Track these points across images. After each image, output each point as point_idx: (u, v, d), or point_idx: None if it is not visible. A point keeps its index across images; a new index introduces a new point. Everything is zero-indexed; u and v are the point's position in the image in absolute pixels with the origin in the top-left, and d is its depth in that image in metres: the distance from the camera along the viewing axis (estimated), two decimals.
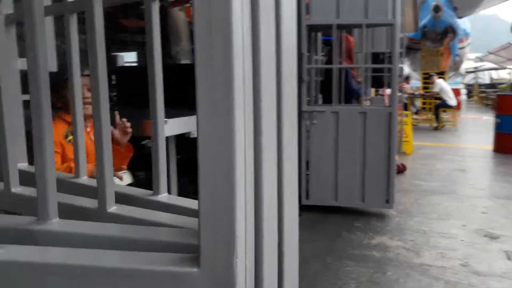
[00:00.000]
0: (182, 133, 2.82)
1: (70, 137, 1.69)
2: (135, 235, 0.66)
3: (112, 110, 1.87)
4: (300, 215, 3.44)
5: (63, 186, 0.84)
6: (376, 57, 5.85)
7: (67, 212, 0.72)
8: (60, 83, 1.67)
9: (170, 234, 0.67)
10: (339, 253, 2.77)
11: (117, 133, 1.82)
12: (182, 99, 3.66)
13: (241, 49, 0.54)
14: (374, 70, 5.48)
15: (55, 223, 0.69)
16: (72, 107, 0.94)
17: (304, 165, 3.56)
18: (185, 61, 8.27)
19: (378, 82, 6.24)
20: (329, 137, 3.48)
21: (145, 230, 0.67)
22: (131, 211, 0.75)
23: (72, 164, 1.52)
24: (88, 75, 1.73)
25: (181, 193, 3.49)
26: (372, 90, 6.96)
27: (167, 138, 2.26)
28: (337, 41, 3.62)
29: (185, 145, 3.48)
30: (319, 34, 4.00)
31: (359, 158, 3.45)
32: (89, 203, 0.78)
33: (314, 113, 3.48)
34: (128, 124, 1.86)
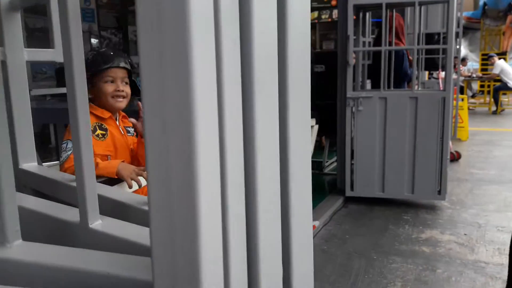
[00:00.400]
0: None
1: (98, 131, 1.63)
2: (89, 266, 0.54)
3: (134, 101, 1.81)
4: (344, 207, 3.31)
5: (66, 190, 0.77)
6: (430, 38, 5.51)
7: (48, 225, 0.65)
8: (93, 74, 1.62)
9: (128, 264, 0.53)
10: (385, 248, 2.62)
11: (140, 125, 1.74)
12: None
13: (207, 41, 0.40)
14: (428, 52, 5.15)
15: (15, 248, 0.58)
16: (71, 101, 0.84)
17: (348, 154, 3.40)
18: None
19: (432, 65, 5.88)
20: (376, 125, 3.29)
21: (102, 259, 0.55)
22: (116, 228, 0.64)
23: (98, 160, 1.48)
24: (124, 68, 1.68)
25: None
26: (426, 73, 6.61)
27: None
28: (387, 22, 3.38)
29: None
30: (369, 15, 3.77)
31: (409, 147, 3.25)
32: (72, 215, 0.68)
33: (360, 99, 3.30)
34: None
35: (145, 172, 1.58)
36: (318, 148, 5.14)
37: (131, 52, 10.09)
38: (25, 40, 0.93)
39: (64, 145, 1.51)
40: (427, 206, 3.33)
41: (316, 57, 4.19)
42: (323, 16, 11.19)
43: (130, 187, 1.48)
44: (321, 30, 11.85)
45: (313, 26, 12.80)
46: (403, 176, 3.28)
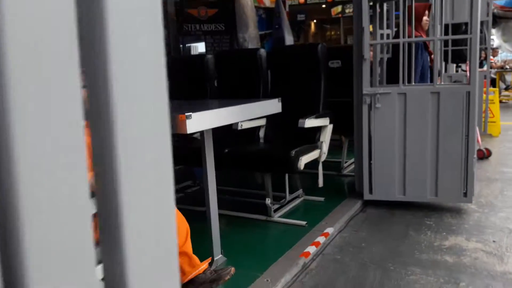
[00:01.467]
0: (229, 125, 2.62)
1: None
2: None
3: None
4: (362, 212, 3.11)
5: None
6: (457, 29, 5.21)
7: None
8: None
9: None
10: (404, 257, 2.41)
11: None
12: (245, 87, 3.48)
13: None
14: (454, 43, 4.85)
15: None
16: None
17: (366, 154, 3.19)
18: (252, 47, 8.11)
19: (460, 57, 5.56)
20: (395, 122, 3.08)
21: None
22: None
23: None
24: None
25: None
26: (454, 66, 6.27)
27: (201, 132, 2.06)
28: (405, 12, 3.16)
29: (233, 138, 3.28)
30: (392, 7, 3.55)
31: (431, 145, 3.01)
32: None
33: (377, 95, 3.09)
34: None
35: None
36: (338, 148, 4.94)
37: None
38: None
39: None
40: (452, 210, 3.08)
41: (332, 52, 3.99)
42: (347, 11, 10.91)
43: None
44: (345, 25, 11.57)
45: (337, 20, 12.50)
46: (426, 177, 3.05)
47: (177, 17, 10.15)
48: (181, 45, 10.89)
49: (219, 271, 1.81)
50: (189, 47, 11.74)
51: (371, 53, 3.46)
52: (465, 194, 3.01)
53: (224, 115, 2.06)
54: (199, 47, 11.21)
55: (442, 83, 3.34)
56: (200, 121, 1.81)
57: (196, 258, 1.77)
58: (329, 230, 2.75)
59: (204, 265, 1.78)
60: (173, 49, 10.63)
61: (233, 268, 1.87)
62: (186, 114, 1.72)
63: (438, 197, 3.06)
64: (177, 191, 3.77)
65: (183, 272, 1.71)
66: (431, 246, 2.53)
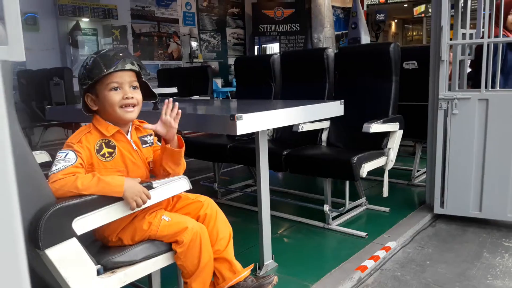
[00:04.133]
0: (290, 126, 2.55)
1: (105, 150, 1.43)
2: None
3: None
4: (431, 226, 2.86)
5: None
6: None
7: None
8: (95, 81, 1.42)
9: None
10: (474, 282, 2.16)
11: (161, 128, 1.50)
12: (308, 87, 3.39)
13: None
14: None
15: None
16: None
17: (440, 165, 2.93)
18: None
19: None
20: (474, 131, 2.79)
21: None
22: None
23: (99, 175, 1.31)
24: (131, 70, 1.49)
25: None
26: None
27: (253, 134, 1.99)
28: (493, 9, 2.85)
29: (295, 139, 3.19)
30: (469, 2, 3.23)
31: None
32: None
33: (455, 100, 2.82)
34: (176, 104, 1.51)
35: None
36: (410, 155, 4.63)
37: (229, 53, 10.32)
38: None
39: (63, 154, 1.34)
40: None
41: (407, 53, 3.74)
42: (430, 10, 10.29)
43: (133, 209, 1.33)
44: (428, 25, 10.94)
45: (419, 20, 11.86)
46: (507, 193, 2.73)
47: (253, 18, 10.25)
48: (257, 46, 10.99)
49: (260, 280, 1.73)
50: (265, 47, 11.82)
51: (451, 54, 3.18)
52: None
53: (279, 116, 1.98)
54: (275, 48, 11.24)
55: None
56: (252, 123, 1.75)
57: (238, 264, 1.70)
58: (391, 244, 2.56)
59: (246, 271, 1.71)
60: (248, 50, 10.76)
61: (276, 277, 1.78)
62: (236, 115, 1.67)
63: None
64: (235, 189, 3.76)
65: (223, 278, 1.66)
66: (507, 272, 2.25)
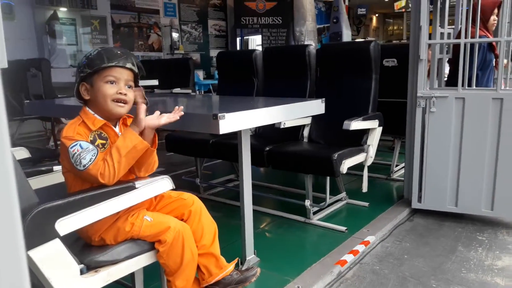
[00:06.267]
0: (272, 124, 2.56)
1: (98, 141, 1.46)
2: None
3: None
4: (408, 220, 2.94)
5: None
6: None
7: None
8: (93, 71, 1.45)
9: None
10: (449, 275, 2.24)
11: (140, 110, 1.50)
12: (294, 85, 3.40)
13: None
14: None
15: None
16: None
17: (417, 160, 3.00)
18: (309, 41, 7.96)
19: None
20: (451, 129, 2.86)
21: None
22: None
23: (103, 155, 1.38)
24: (130, 69, 1.52)
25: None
26: None
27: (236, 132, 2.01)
28: (470, 9, 2.92)
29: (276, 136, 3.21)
30: (447, 2, 3.30)
31: (490, 156, 2.78)
32: None
33: (433, 99, 2.89)
34: (181, 113, 1.59)
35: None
36: (389, 150, 4.72)
37: (211, 45, 10.26)
38: None
39: (77, 147, 1.38)
40: (509, 226, 2.83)
41: (387, 51, 3.79)
42: (411, 5, 10.43)
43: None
44: (409, 20, 11.06)
45: (400, 15, 11.99)
46: (481, 189, 2.82)
47: (235, 10, 10.19)
48: (239, 38, 10.95)
49: (245, 273, 1.77)
50: (247, 39, 11.78)
51: (430, 52, 3.25)
52: None
53: (261, 115, 2.00)
54: (257, 40, 11.22)
55: (507, 88, 3.05)
56: (234, 122, 1.76)
57: (223, 259, 1.73)
58: (370, 238, 2.62)
59: (231, 266, 1.75)
60: (230, 42, 10.72)
61: (258, 269, 1.82)
62: (219, 114, 1.68)
63: (493, 211, 2.82)
64: (217, 184, 3.77)
65: (210, 273, 1.69)
66: (481, 265, 2.34)
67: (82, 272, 1.35)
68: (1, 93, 0.41)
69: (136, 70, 1.51)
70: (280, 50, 3.99)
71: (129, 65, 1.48)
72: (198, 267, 1.66)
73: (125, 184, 1.41)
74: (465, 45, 2.81)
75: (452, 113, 2.85)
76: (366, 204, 3.21)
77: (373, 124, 2.91)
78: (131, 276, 1.64)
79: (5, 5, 6.54)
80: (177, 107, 1.58)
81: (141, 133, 1.47)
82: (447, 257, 2.44)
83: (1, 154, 0.36)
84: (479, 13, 2.97)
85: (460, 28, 3.08)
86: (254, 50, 3.69)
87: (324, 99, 2.37)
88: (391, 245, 2.62)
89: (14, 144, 2.86)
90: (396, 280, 2.20)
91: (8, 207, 0.38)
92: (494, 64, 3.38)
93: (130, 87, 1.51)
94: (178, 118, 1.56)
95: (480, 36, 3.10)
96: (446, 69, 3.58)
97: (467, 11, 2.93)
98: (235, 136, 2.13)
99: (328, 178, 2.90)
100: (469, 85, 2.97)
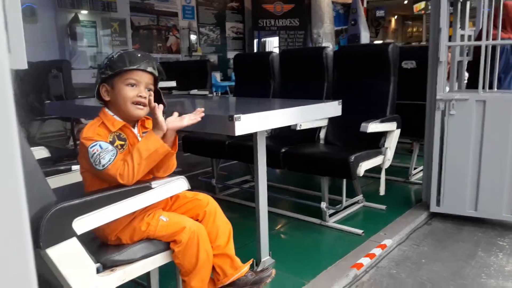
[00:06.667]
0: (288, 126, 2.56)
1: (117, 142, 1.48)
2: None
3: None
4: (427, 224, 2.89)
5: None
6: None
7: None
8: (114, 73, 1.47)
9: None
10: (468, 280, 2.20)
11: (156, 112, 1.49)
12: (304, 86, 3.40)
13: None
14: None
15: None
16: None
17: (436, 164, 2.96)
18: (326, 44, 7.92)
19: None
20: (471, 132, 2.81)
21: None
22: None
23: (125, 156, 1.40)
24: (151, 73, 1.54)
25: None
26: None
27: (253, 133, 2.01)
28: (491, 11, 2.86)
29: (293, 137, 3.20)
30: (468, 3, 3.24)
31: (511, 159, 2.72)
32: None
33: (453, 101, 2.84)
34: (202, 115, 1.59)
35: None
36: (408, 152, 4.66)
37: (228, 47, 10.30)
38: None
39: (97, 147, 1.40)
40: None
41: (406, 53, 3.75)
42: (430, 7, 10.30)
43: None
44: (428, 22, 10.92)
45: (419, 17, 11.84)
46: (502, 193, 2.76)
47: (253, 13, 10.22)
48: (256, 40, 10.97)
49: (259, 274, 1.76)
50: (265, 41, 11.80)
51: (449, 54, 3.20)
52: None
53: (277, 117, 1.99)
54: (274, 42, 11.22)
55: None
56: (250, 123, 1.77)
57: (238, 260, 1.73)
58: (387, 241, 2.59)
59: (246, 267, 1.75)
60: (247, 44, 10.74)
61: (273, 270, 1.81)
62: (235, 115, 1.68)
63: None
64: (233, 185, 3.78)
65: (225, 274, 1.69)
66: (501, 271, 2.28)
67: (98, 271, 1.36)
68: (11, 93, 0.41)
69: (156, 74, 1.53)
70: (297, 52, 3.99)
71: (150, 69, 1.50)
72: (213, 268, 1.67)
73: (141, 184, 1.43)
74: (486, 47, 2.76)
75: (472, 116, 2.80)
76: (383, 207, 3.17)
77: (391, 126, 2.87)
78: (147, 275, 1.66)
79: (28, 9, 6.69)
80: (198, 108, 1.59)
81: (163, 135, 1.49)
82: (466, 262, 2.39)
83: (9, 154, 0.37)
84: (501, 14, 2.92)
85: (481, 29, 3.03)
86: (271, 52, 3.69)
87: (341, 100, 2.35)
88: (408, 249, 2.58)
89: (35, 143, 2.92)
90: (413, 285, 2.17)
91: (16, 205, 0.38)
92: None
93: (149, 90, 1.53)
94: (200, 119, 1.57)
95: (502, 39, 3.04)
96: (467, 73, 3.52)
97: (489, 12, 2.87)
98: (251, 137, 2.14)
99: (344, 180, 2.88)
100: (490, 87, 2.91)
